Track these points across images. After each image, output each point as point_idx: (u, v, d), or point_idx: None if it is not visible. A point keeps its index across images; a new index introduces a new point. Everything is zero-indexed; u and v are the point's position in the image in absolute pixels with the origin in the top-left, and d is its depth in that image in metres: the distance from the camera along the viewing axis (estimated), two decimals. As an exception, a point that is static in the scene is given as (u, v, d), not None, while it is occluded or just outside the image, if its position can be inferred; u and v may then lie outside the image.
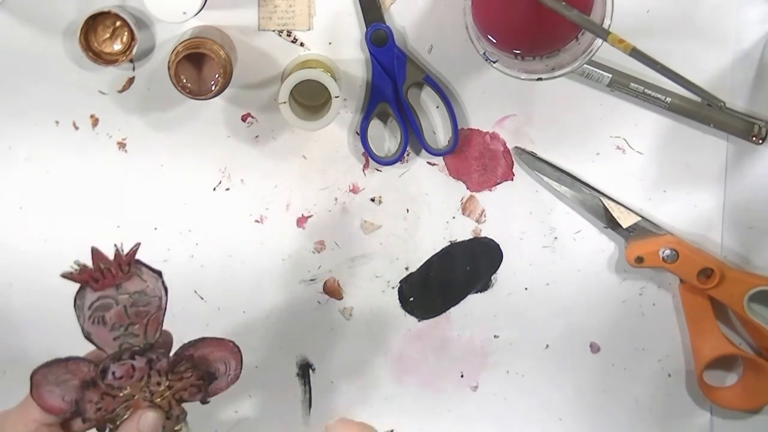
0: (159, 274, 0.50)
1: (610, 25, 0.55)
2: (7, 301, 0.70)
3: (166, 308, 0.50)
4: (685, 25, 0.66)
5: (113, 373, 0.50)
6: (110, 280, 0.49)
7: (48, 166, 0.67)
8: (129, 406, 0.51)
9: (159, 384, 0.51)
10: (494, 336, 0.72)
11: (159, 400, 0.51)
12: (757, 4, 0.65)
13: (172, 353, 0.51)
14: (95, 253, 0.48)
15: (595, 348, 0.72)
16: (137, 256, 0.49)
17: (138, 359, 0.50)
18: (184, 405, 0.52)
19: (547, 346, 0.72)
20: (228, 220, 0.69)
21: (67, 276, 0.49)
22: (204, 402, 0.52)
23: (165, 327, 0.51)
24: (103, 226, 0.68)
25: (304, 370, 0.72)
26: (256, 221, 0.69)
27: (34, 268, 0.69)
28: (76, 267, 0.48)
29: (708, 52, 0.66)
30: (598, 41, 0.56)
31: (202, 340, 0.52)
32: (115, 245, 0.48)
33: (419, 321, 0.71)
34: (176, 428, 0.52)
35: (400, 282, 0.71)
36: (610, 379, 0.72)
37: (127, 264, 0.49)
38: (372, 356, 0.72)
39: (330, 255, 0.70)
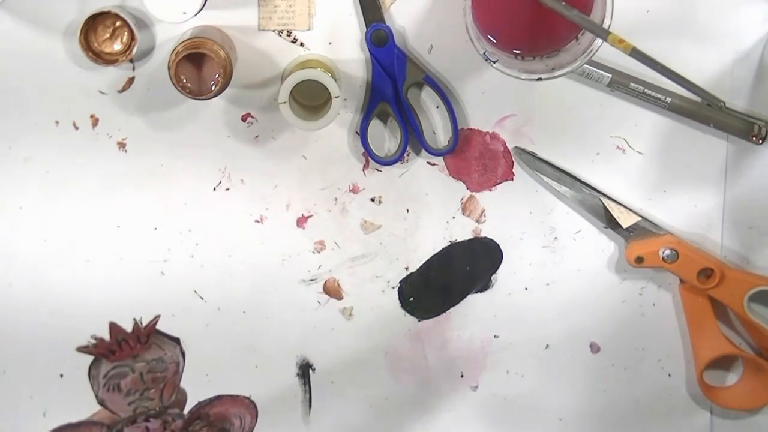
0: (177, 341, 0.50)
1: (610, 25, 0.55)
2: (7, 301, 0.70)
3: (183, 371, 0.50)
4: (685, 25, 0.66)
5: None
6: (127, 351, 0.49)
7: (48, 166, 0.67)
8: None
9: None
10: (494, 336, 0.72)
11: None
12: (757, 4, 0.66)
13: (186, 410, 0.51)
14: (113, 328, 0.48)
15: (595, 348, 0.72)
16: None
17: (153, 422, 0.49)
18: None
19: (547, 346, 0.72)
20: (228, 220, 0.69)
21: (82, 350, 0.48)
22: None
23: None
24: (103, 226, 0.68)
25: (304, 370, 0.72)
26: (256, 221, 0.69)
27: (34, 268, 0.69)
28: (93, 341, 0.48)
29: (708, 52, 0.66)
30: (598, 41, 0.56)
31: (218, 398, 0.51)
32: (134, 319, 0.48)
33: (419, 321, 0.71)
34: None
35: (400, 282, 0.71)
36: (610, 379, 0.72)
37: (145, 336, 0.48)
38: (372, 356, 0.72)
39: (330, 255, 0.70)
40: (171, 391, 0.49)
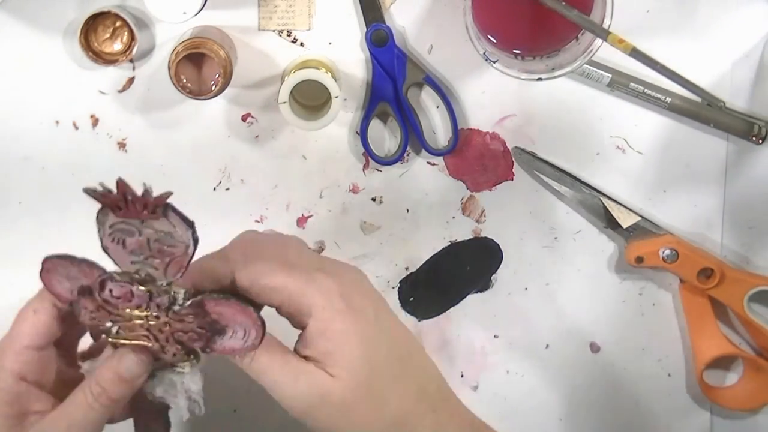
0: (191, 225, 0.47)
1: (610, 25, 0.55)
2: (8, 300, 0.70)
3: (192, 257, 0.47)
4: (685, 25, 0.66)
5: (111, 290, 0.47)
6: (134, 213, 0.46)
7: (47, 166, 0.67)
8: (125, 327, 0.48)
9: (158, 317, 0.48)
10: (494, 336, 0.72)
11: (157, 332, 0.49)
12: (757, 4, 0.66)
13: (188, 302, 0.48)
14: (120, 184, 0.45)
15: (595, 348, 0.72)
16: (171, 204, 0.46)
17: (140, 288, 0.47)
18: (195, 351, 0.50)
19: (547, 346, 0.72)
20: (228, 220, 0.69)
21: (89, 191, 0.45)
22: (204, 351, 0.49)
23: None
24: (103, 226, 0.69)
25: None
26: (256, 221, 0.69)
27: (34, 268, 0.69)
28: (100, 188, 0.45)
29: (708, 52, 0.66)
30: (598, 41, 0.56)
31: (228, 300, 0.48)
32: (144, 184, 0.45)
33: (419, 321, 0.71)
34: (178, 368, 0.50)
35: (400, 282, 0.71)
36: (610, 379, 0.72)
37: (153, 206, 0.46)
38: (372, 356, 0.72)
39: (330, 255, 0.70)
40: (177, 269, 0.47)
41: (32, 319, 0.50)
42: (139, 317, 0.48)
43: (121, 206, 0.46)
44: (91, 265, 0.48)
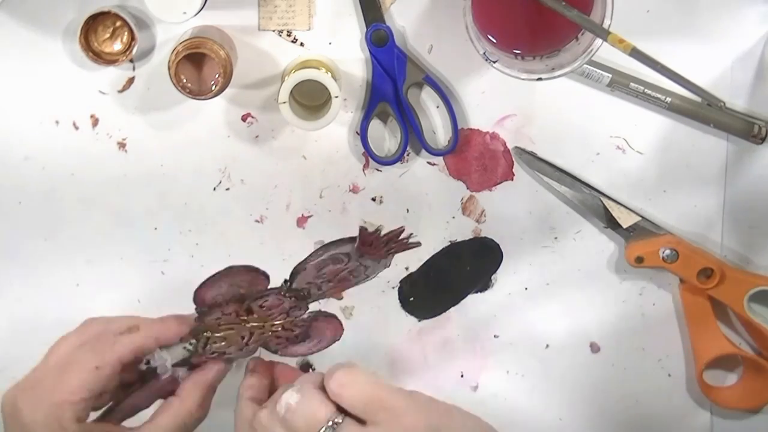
0: (387, 265, 0.52)
1: (610, 25, 0.55)
2: (8, 301, 0.70)
3: (359, 284, 0.53)
4: (685, 25, 0.66)
5: (264, 301, 0.52)
6: (373, 253, 0.51)
7: (48, 166, 0.67)
8: (225, 337, 0.53)
9: (273, 326, 0.53)
10: (494, 336, 0.72)
11: (258, 335, 0.53)
12: (757, 4, 0.66)
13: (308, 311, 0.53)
14: (395, 233, 0.50)
15: (595, 348, 0.72)
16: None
17: (290, 300, 0.52)
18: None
19: (547, 346, 0.72)
20: (228, 220, 0.69)
21: (363, 229, 0.50)
22: (274, 352, 0.55)
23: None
24: (103, 226, 0.68)
25: (304, 369, 0.72)
26: (256, 221, 0.69)
27: (34, 267, 0.69)
28: (373, 227, 0.51)
29: (708, 52, 0.66)
30: (598, 41, 0.56)
31: (332, 317, 0.54)
32: (402, 227, 0.51)
33: (419, 321, 0.71)
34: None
35: (400, 282, 0.71)
36: (610, 379, 0.72)
37: (394, 251, 0.50)
38: (372, 356, 0.72)
39: (330, 255, 0.70)
40: (340, 290, 0.52)
41: (94, 374, 0.52)
42: (263, 322, 0.54)
43: (375, 245, 0.52)
44: (266, 277, 0.53)
